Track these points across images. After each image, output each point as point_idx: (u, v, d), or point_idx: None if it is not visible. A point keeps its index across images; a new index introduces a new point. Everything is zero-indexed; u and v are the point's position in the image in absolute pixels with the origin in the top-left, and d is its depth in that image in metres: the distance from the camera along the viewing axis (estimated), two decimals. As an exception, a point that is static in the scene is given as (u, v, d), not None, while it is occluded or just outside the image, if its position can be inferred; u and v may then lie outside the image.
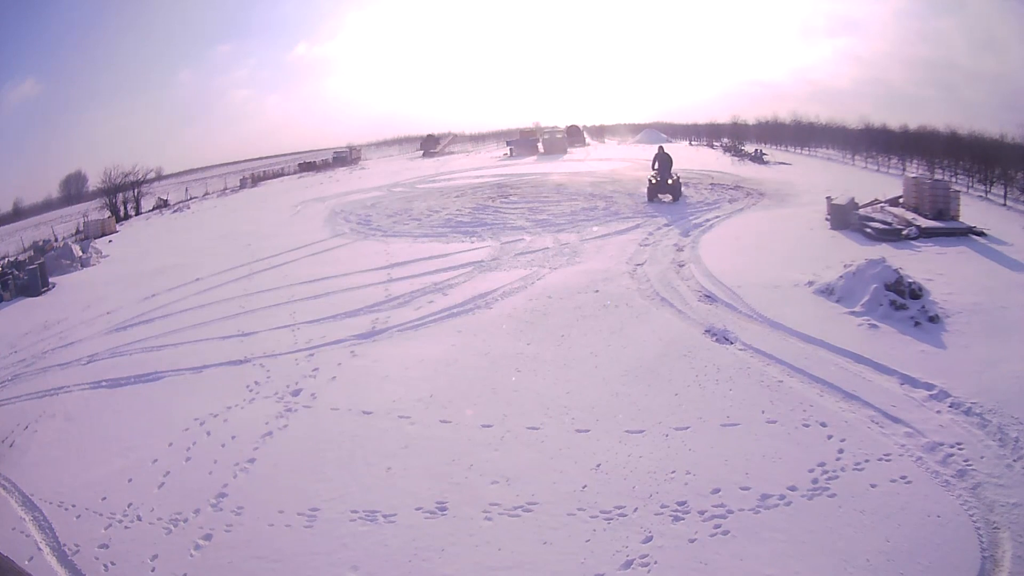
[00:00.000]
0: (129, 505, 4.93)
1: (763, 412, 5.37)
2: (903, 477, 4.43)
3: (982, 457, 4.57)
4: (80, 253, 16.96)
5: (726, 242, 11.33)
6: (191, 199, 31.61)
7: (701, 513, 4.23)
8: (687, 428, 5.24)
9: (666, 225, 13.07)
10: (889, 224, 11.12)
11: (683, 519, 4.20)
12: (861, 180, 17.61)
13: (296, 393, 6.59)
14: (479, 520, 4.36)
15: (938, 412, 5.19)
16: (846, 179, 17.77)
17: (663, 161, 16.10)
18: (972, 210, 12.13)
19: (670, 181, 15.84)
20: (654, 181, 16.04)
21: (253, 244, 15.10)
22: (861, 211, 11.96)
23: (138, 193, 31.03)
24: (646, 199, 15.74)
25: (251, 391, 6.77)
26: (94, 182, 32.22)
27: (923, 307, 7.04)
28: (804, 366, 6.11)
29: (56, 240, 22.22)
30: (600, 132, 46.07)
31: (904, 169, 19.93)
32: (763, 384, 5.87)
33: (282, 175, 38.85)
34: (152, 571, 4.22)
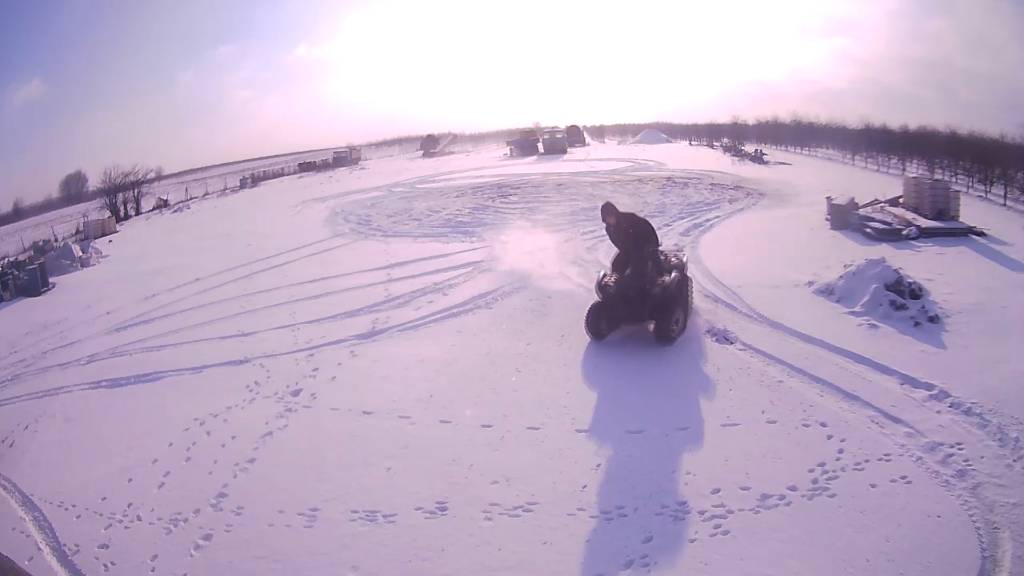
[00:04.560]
0: (129, 505, 4.93)
1: (763, 412, 5.37)
2: (903, 477, 4.43)
3: (982, 457, 4.57)
4: (80, 253, 16.96)
5: (726, 242, 11.34)
6: (191, 199, 31.61)
7: (701, 513, 4.22)
8: (687, 428, 5.23)
9: (666, 225, 13.07)
10: (889, 224, 11.12)
11: (683, 519, 4.19)
12: (861, 180, 17.62)
13: (296, 393, 6.59)
14: (479, 520, 4.36)
15: (938, 412, 5.19)
16: (846, 179, 17.80)
17: (630, 232, 7.10)
18: (972, 210, 12.14)
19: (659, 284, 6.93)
20: (608, 285, 7.09)
21: (253, 244, 15.10)
22: (861, 211, 11.97)
23: (138, 193, 31.06)
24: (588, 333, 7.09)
25: (251, 391, 6.76)
26: (94, 182, 32.27)
27: (923, 307, 7.04)
28: (804, 366, 6.10)
29: (56, 240, 22.24)
30: (600, 132, 46.13)
31: (904, 169, 19.96)
32: (763, 384, 5.87)
33: (282, 175, 38.87)
34: (152, 571, 4.22)
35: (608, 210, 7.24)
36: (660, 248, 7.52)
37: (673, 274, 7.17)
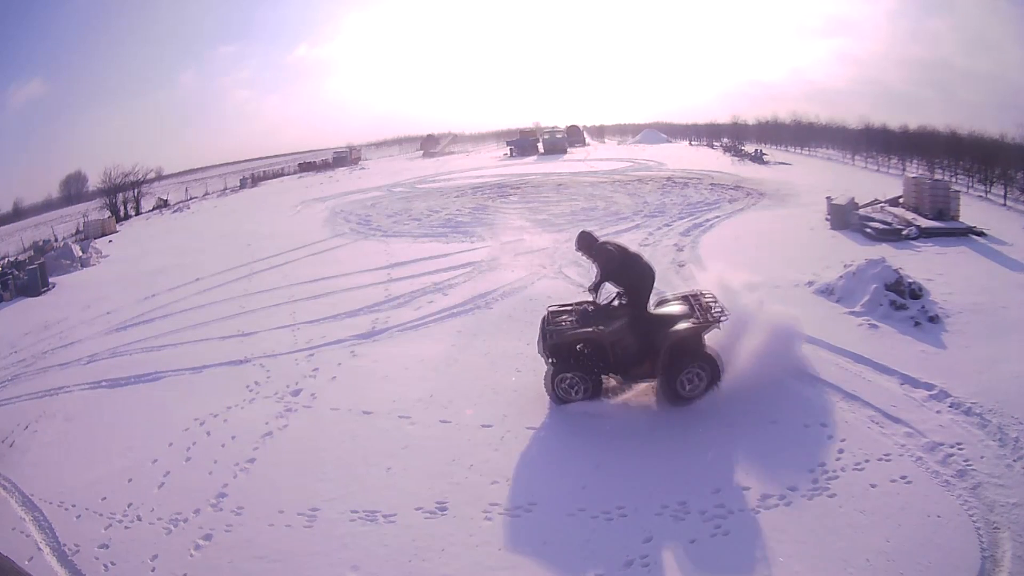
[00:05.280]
0: (129, 505, 4.93)
1: (763, 412, 5.36)
2: (903, 477, 4.43)
3: (982, 457, 4.56)
4: (80, 253, 16.98)
5: (726, 242, 11.34)
6: (191, 199, 31.66)
7: (701, 513, 4.22)
8: (687, 428, 5.22)
9: (666, 225, 13.08)
10: (889, 224, 11.13)
11: (683, 519, 4.19)
12: (861, 180, 17.63)
13: (296, 393, 6.59)
14: (479, 520, 4.36)
15: (938, 412, 5.18)
16: (846, 179, 17.80)
17: (622, 270, 5.67)
18: (972, 210, 12.14)
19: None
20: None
21: (253, 244, 15.10)
22: (861, 211, 11.98)
23: (138, 193, 31.13)
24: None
25: (251, 391, 6.76)
26: (94, 182, 32.35)
27: (923, 307, 7.04)
28: (804, 366, 6.09)
29: (56, 240, 22.27)
30: (600, 132, 46.23)
31: (904, 169, 19.98)
32: (763, 384, 5.84)
33: (282, 175, 38.96)
34: (152, 571, 4.22)
35: (580, 242, 5.85)
36: (678, 294, 6.12)
37: (616, 324, 5.49)
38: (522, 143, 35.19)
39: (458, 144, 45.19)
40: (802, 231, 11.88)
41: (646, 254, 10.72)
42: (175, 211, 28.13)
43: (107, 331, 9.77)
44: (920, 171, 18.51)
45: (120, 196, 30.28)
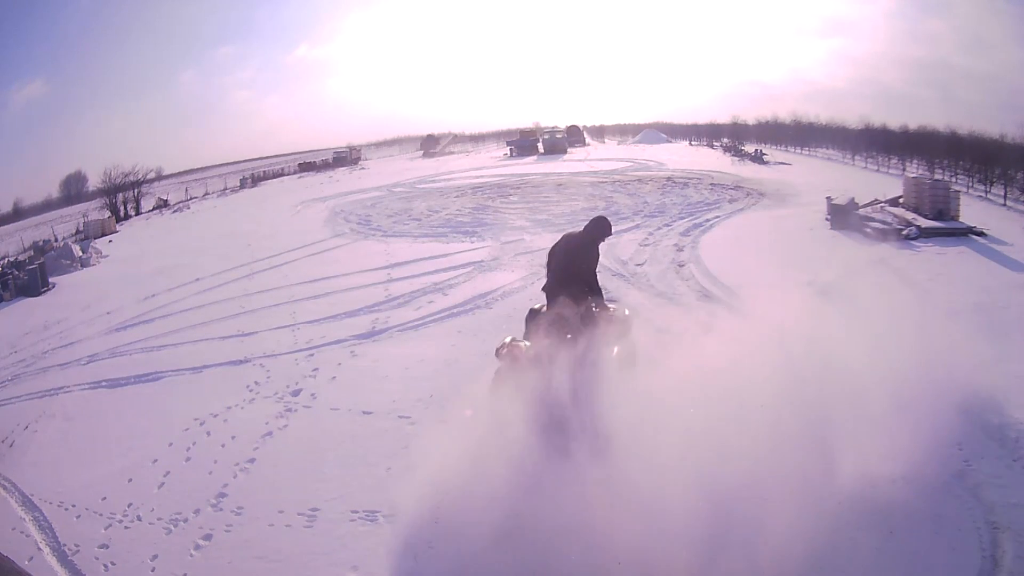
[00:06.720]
0: (129, 505, 4.92)
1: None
2: (903, 477, 4.41)
3: (982, 457, 4.56)
4: (80, 253, 16.99)
5: (726, 242, 11.35)
6: (191, 199, 31.66)
7: (701, 512, 4.20)
8: (689, 426, 5.20)
9: (666, 225, 13.08)
10: (889, 224, 11.14)
11: (683, 519, 4.17)
12: (861, 180, 17.64)
13: (296, 393, 6.59)
14: (479, 520, 4.34)
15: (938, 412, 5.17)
16: (846, 179, 17.81)
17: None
18: (972, 210, 12.15)
19: None
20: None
21: (253, 244, 15.11)
22: (861, 211, 11.99)
23: (138, 193, 31.10)
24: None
25: (251, 391, 6.76)
26: (94, 182, 32.29)
27: (923, 307, 7.03)
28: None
29: (56, 240, 22.26)
30: (600, 132, 46.19)
31: (904, 169, 19.99)
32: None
33: (282, 175, 38.93)
34: (152, 571, 4.21)
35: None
36: None
37: None
38: (522, 143, 35.21)
39: (458, 144, 45.15)
40: (802, 231, 11.89)
41: (646, 253, 10.77)
42: (175, 211, 28.14)
43: (107, 331, 9.77)
44: (920, 171, 18.52)
45: (120, 196, 30.25)
